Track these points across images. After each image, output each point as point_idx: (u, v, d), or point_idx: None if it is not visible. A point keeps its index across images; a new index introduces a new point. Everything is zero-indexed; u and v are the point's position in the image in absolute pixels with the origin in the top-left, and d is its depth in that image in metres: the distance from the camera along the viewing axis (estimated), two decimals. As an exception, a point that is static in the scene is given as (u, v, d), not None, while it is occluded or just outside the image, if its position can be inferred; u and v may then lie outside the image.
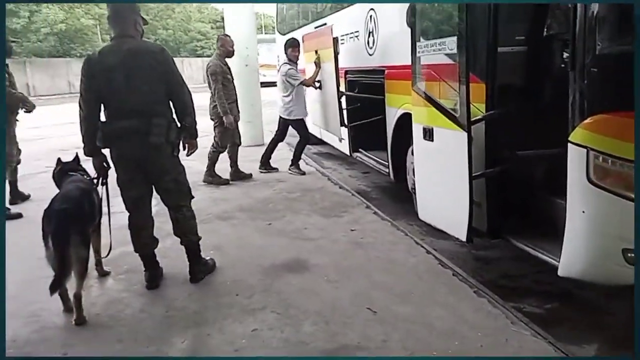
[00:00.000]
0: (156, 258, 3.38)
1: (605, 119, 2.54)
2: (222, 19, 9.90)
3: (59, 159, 3.45)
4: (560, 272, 2.82)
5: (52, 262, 2.73)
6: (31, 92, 28.23)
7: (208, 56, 42.37)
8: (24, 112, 5.24)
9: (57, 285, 2.70)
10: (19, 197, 5.48)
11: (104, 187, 3.26)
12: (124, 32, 3.08)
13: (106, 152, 3.17)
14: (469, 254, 3.85)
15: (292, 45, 6.48)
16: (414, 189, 4.65)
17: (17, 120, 5.29)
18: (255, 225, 4.41)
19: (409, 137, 4.75)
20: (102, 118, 3.12)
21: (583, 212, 2.64)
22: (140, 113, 3.00)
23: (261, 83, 8.84)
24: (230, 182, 6.03)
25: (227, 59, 5.91)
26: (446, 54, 3.47)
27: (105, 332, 2.75)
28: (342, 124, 6.27)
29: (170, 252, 3.63)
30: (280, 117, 6.58)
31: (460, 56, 3.29)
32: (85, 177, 3.33)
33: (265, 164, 6.58)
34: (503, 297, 3.00)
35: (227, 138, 5.93)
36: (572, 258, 2.75)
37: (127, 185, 3.16)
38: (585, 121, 2.58)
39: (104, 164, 3.20)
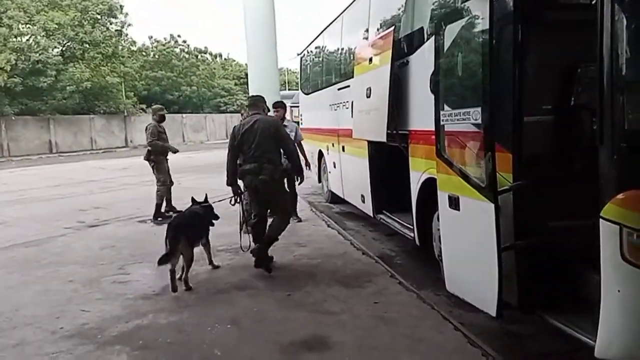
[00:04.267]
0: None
1: (638, 194, 2.42)
2: (246, 75, 10.22)
3: (192, 199, 5.31)
4: (597, 354, 2.63)
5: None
6: (53, 149, 28.97)
7: (232, 112, 43.72)
8: (172, 153, 8.18)
9: (163, 261, 4.27)
10: (172, 209, 7.96)
11: (240, 203, 5.24)
12: (256, 110, 5.15)
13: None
14: (499, 328, 3.61)
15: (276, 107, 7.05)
16: (441, 256, 4.50)
17: (167, 159, 8.09)
18: (274, 296, 4.24)
19: (435, 201, 4.65)
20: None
21: (618, 291, 2.51)
22: (257, 159, 4.86)
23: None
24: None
25: None
26: (471, 124, 3.41)
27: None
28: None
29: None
30: None
31: (485, 126, 3.23)
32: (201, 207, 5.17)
33: None
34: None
35: None
36: (608, 339, 2.57)
37: (252, 203, 5.30)
38: (617, 197, 2.48)
39: (239, 190, 5.12)
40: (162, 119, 8.19)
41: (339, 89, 7.83)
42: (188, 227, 4.59)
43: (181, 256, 4.42)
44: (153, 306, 4.05)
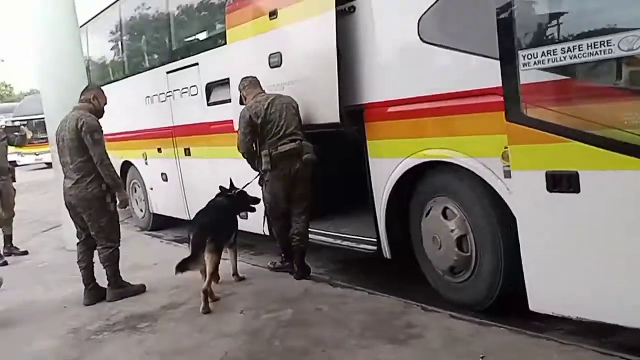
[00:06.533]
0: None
1: None
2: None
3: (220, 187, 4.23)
4: None
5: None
6: None
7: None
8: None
9: (180, 268, 3.54)
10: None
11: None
12: (260, 90, 4.17)
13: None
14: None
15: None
16: (454, 267, 3.30)
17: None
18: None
19: (416, 196, 3.61)
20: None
21: None
22: (293, 138, 3.99)
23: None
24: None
25: None
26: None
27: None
28: None
29: None
30: None
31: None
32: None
33: None
34: None
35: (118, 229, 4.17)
36: None
37: (278, 197, 4.10)
38: None
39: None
40: None
41: (169, 72, 5.81)
42: (216, 226, 3.80)
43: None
44: None
